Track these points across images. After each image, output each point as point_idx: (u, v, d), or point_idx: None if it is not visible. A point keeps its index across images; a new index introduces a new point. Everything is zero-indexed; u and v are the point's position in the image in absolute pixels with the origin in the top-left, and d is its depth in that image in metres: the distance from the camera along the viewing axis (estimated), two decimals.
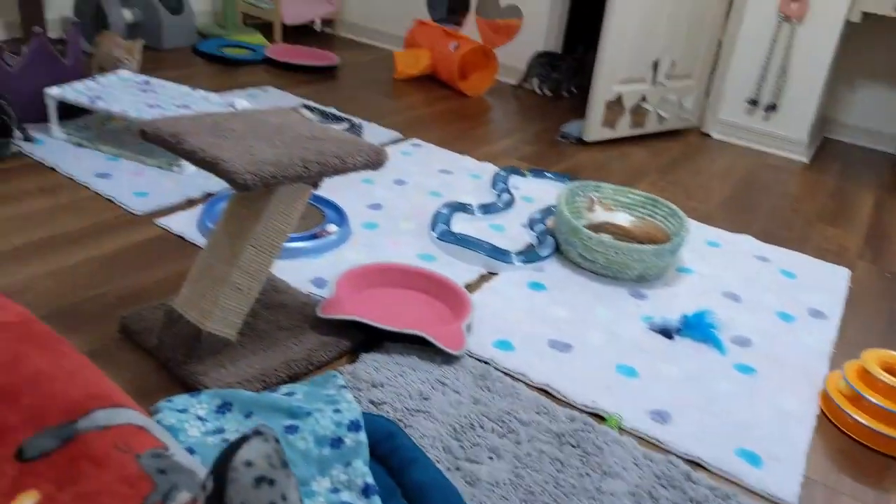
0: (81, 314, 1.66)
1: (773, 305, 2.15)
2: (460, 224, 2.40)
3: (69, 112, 2.66)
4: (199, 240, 2.06)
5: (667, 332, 1.92)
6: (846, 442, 1.62)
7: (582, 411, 1.60)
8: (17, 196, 2.15)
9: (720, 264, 2.37)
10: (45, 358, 0.73)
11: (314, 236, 2.12)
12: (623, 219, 2.29)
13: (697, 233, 2.58)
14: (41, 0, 3.53)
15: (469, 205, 2.47)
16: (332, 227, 2.18)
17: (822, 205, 3.06)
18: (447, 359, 1.67)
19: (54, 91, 2.53)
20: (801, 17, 3.48)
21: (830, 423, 1.67)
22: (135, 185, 2.32)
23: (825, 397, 1.72)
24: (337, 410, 1.37)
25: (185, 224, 2.13)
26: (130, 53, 2.95)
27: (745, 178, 3.28)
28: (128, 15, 3.90)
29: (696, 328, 1.92)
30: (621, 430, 1.56)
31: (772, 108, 3.66)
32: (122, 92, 2.64)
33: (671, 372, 1.77)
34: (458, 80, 4.00)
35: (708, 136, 3.86)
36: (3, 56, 2.55)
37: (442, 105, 3.75)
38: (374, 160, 1.57)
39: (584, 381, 1.68)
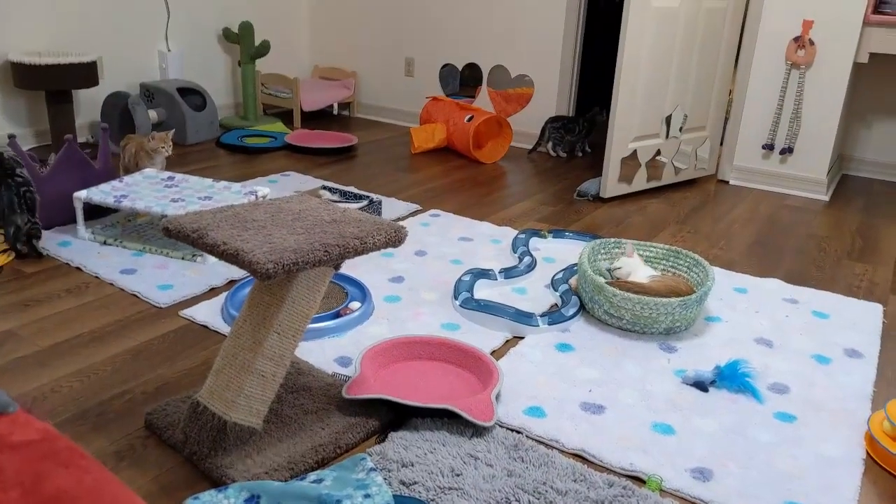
0: (107, 413, 1.67)
1: (808, 348, 2.09)
2: (483, 290, 2.39)
3: (97, 212, 2.74)
4: (223, 328, 2.07)
5: (701, 385, 1.87)
6: None
7: (620, 475, 1.55)
8: (44, 299, 2.20)
9: (749, 310, 2.32)
10: (68, 476, 0.73)
11: (337, 315, 2.13)
12: (642, 275, 2.26)
13: (723, 280, 2.54)
14: (71, 108, 3.70)
15: (491, 270, 2.47)
16: (355, 305, 2.19)
17: (847, 242, 3.01)
18: (477, 431, 1.64)
19: (81, 194, 2.62)
20: (810, 63, 3.50)
21: (878, 467, 1.60)
22: (159, 278, 2.37)
23: (870, 440, 1.65)
24: (367, 496, 1.35)
25: (208, 313, 2.15)
26: (164, 142, 3.14)
27: (766, 221, 3.24)
28: (153, 115, 4.05)
29: (731, 378, 1.87)
30: (662, 491, 1.50)
31: (788, 150, 3.65)
32: (147, 189, 2.72)
33: (709, 426, 1.71)
34: (474, 150, 4.06)
35: (725, 182, 3.85)
36: (34, 163, 2.65)
37: (458, 174, 3.80)
38: (395, 238, 1.58)
39: (619, 443, 1.63)
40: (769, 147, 3.70)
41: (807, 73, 3.53)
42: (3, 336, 1.98)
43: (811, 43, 3.48)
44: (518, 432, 1.67)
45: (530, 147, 4.35)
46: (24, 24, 3.72)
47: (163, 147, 3.14)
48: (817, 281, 2.58)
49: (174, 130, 3.29)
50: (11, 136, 2.56)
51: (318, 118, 5.04)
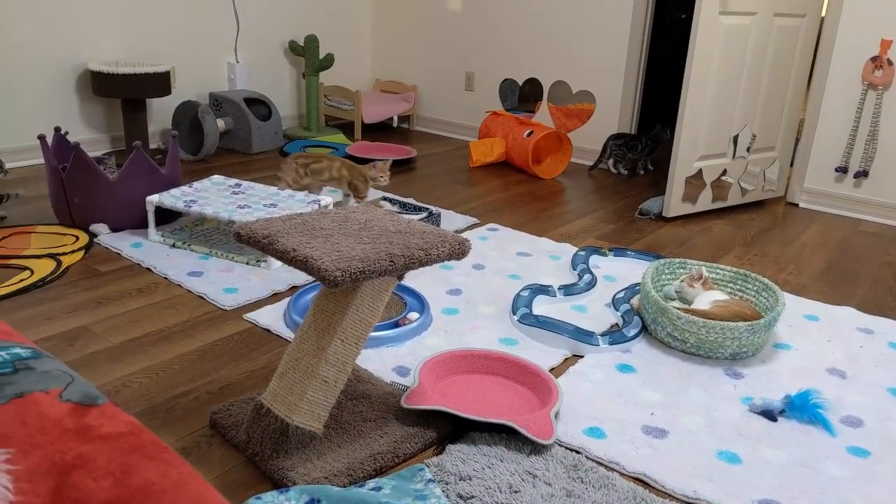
0: (174, 410, 1.70)
1: (884, 381, 2.01)
2: (542, 306, 2.37)
3: (166, 216, 2.82)
4: (285, 332, 2.10)
5: (769, 414, 1.80)
6: None
7: (683, 502, 1.50)
8: (117, 297, 2.27)
9: (821, 339, 2.24)
10: (154, 469, 0.74)
11: (396, 324, 2.14)
12: (705, 300, 2.20)
13: (793, 306, 2.46)
14: (145, 116, 3.82)
15: (550, 286, 2.45)
16: (414, 315, 2.19)
17: None
18: (536, 448, 1.62)
19: (154, 198, 2.70)
20: (888, 84, 3.39)
21: None
22: (224, 281, 2.42)
23: None
24: None
25: (271, 318, 2.18)
26: (384, 172, 3.10)
27: (839, 246, 3.13)
28: (221, 124, 4.16)
29: (802, 409, 1.80)
30: None
31: (863, 174, 3.53)
32: (215, 195, 2.79)
33: (777, 457, 1.65)
34: (532, 165, 4.05)
35: (794, 205, 3.74)
36: (106, 167, 2.75)
37: (517, 189, 3.79)
38: (458, 250, 1.58)
39: (682, 470, 1.59)
40: (842, 170, 3.59)
41: (884, 94, 3.41)
42: (78, 332, 2.05)
43: (889, 63, 3.37)
44: (577, 452, 1.64)
45: (591, 163, 4.31)
46: (102, 36, 3.87)
47: (382, 177, 3.07)
48: (895, 311, 2.48)
49: (390, 161, 3.17)
50: (77, 145, 2.65)
51: (379, 130, 5.09)
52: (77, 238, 2.72)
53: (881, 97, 3.42)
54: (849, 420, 1.81)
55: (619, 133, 4.21)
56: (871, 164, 3.52)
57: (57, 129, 2.81)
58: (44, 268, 2.44)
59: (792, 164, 3.79)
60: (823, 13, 3.54)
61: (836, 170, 3.61)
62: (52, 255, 2.54)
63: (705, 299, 2.21)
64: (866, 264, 2.93)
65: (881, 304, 2.53)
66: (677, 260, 2.43)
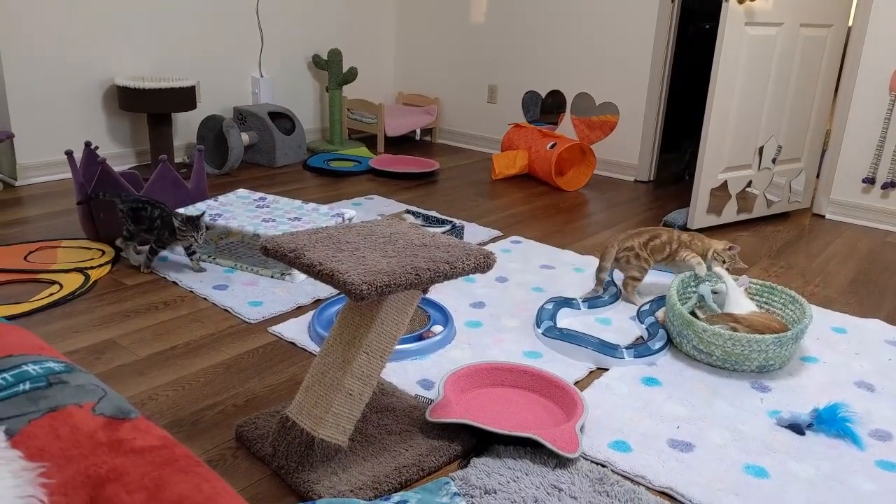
0: (200, 422, 1.72)
1: None
2: (566, 319, 2.36)
3: None
4: (310, 345, 2.11)
5: (797, 428, 1.78)
6: None
7: None
8: (143, 311, 2.30)
9: (849, 351, 2.21)
10: (187, 483, 0.75)
11: (420, 337, 2.14)
12: (744, 306, 2.18)
13: (820, 319, 2.43)
14: (170, 130, 3.88)
15: (574, 299, 2.44)
16: (438, 328, 2.20)
17: None
18: (561, 462, 1.61)
19: (179, 212, 2.73)
20: None
21: None
22: (249, 294, 2.44)
23: None
24: None
25: (296, 331, 2.20)
26: (734, 261, 2.43)
27: (866, 258, 3.09)
28: (245, 138, 4.21)
29: (830, 422, 1.78)
30: None
31: (891, 185, 3.48)
32: (240, 209, 2.82)
33: (806, 472, 1.63)
34: (556, 177, 4.04)
35: (821, 216, 3.70)
36: (133, 181, 2.79)
37: (540, 201, 3.79)
38: (483, 264, 1.58)
39: (709, 484, 1.57)
40: (870, 181, 3.54)
41: None
42: (105, 345, 2.07)
43: None
44: (603, 466, 1.63)
45: (616, 176, 4.30)
46: (128, 51, 3.94)
47: (724, 263, 2.39)
48: None
49: (739, 249, 2.45)
50: (103, 160, 2.70)
51: (401, 143, 5.12)
52: (103, 252, 2.76)
53: None
54: (878, 434, 1.78)
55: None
56: None
57: (87, 144, 2.86)
58: (73, 282, 2.48)
59: (818, 176, 3.75)
60: (850, 23, 3.51)
61: (864, 181, 3.57)
62: (79, 269, 2.58)
63: (740, 301, 2.19)
64: (895, 276, 2.89)
65: None
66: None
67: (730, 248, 2.41)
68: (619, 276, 2.59)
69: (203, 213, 2.56)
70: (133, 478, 0.73)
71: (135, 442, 0.79)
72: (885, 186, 3.51)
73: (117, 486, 0.72)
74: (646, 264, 2.48)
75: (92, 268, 2.60)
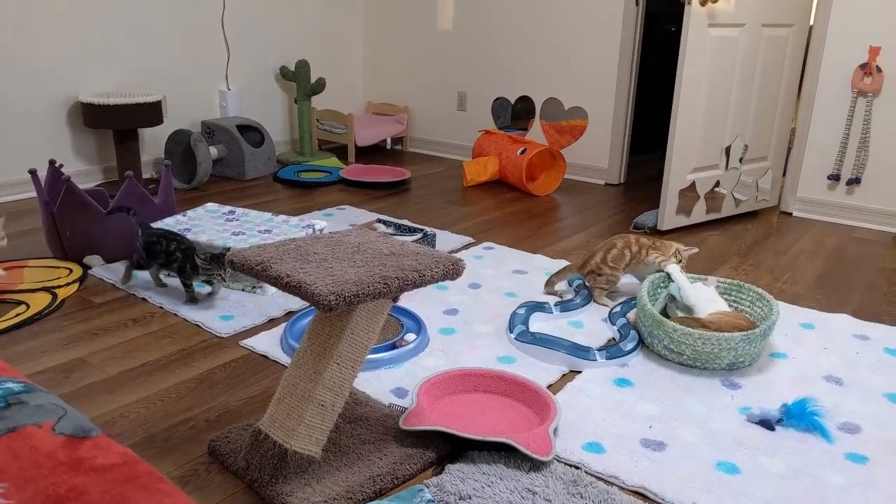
0: (172, 438, 1.70)
1: (880, 387, 2.01)
2: (538, 323, 2.37)
3: None
4: (283, 358, 2.10)
5: (767, 424, 1.80)
6: None
7: None
8: (112, 329, 2.27)
9: (817, 347, 2.25)
10: (149, 500, 0.74)
11: (393, 346, 2.14)
12: (706, 307, 2.21)
13: (788, 315, 2.47)
14: (137, 146, 3.84)
15: (546, 303, 2.45)
16: (410, 336, 2.20)
17: None
18: (535, 465, 1.62)
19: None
20: (877, 91, 3.42)
21: None
22: (220, 309, 2.42)
23: None
24: None
25: (268, 344, 2.18)
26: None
27: (833, 254, 3.15)
28: (214, 152, 4.18)
29: (799, 417, 1.80)
30: None
31: (855, 181, 3.55)
32: (209, 223, 2.80)
33: (776, 466, 1.65)
34: (527, 182, 4.06)
35: (788, 214, 3.76)
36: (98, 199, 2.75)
37: (511, 207, 3.80)
38: (452, 271, 1.59)
39: (682, 482, 1.59)
40: (835, 178, 3.61)
41: (874, 100, 3.44)
42: (74, 363, 2.04)
43: (878, 70, 3.40)
44: (577, 468, 1.64)
45: (587, 180, 4.33)
46: (92, 67, 3.90)
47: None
48: (889, 317, 2.48)
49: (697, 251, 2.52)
50: (67, 178, 2.65)
51: (372, 153, 5.12)
52: (70, 270, 2.72)
53: (871, 104, 3.45)
54: (846, 427, 1.81)
55: None
56: (863, 171, 3.54)
57: (52, 162, 2.82)
58: (40, 301, 2.44)
59: (784, 174, 3.81)
60: (811, 22, 3.58)
61: (829, 178, 3.63)
62: (47, 289, 2.54)
63: (703, 298, 2.22)
64: (861, 271, 2.94)
65: (876, 311, 2.54)
66: None
67: (687, 249, 2.51)
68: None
69: (228, 250, 2.39)
70: (93, 496, 0.72)
71: (95, 460, 0.78)
72: (850, 182, 3.57)
73: None
74: (613, 276, 2.53)
75: (59, 287, 2.57)
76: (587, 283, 2.57)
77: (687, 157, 3.33)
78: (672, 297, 2.33)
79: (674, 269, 2.34)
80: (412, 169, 4.64)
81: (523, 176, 4.01)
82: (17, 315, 2.33)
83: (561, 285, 2.67)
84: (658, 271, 2.44)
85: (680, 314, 2.25)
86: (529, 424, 1.77)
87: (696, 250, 2.53)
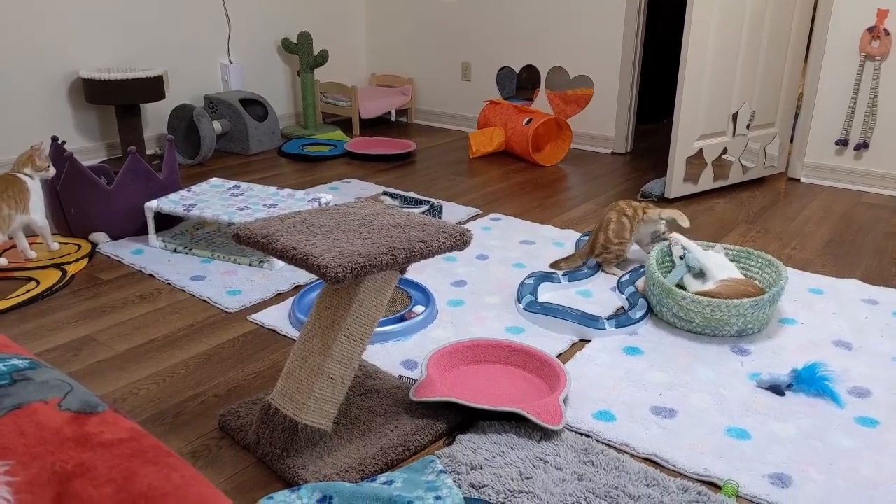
0: (182, 414, 1.71)
1: (890, 351, 2.00)
2: (547, 293, 2.36)
3: (166, 222, 2.82)
4: (291, 332, 2.10)
5: (777, 389, 1.80)
6: None
7: (694, 480, 1.50)
8: (120, 305, 2.28)
9: (826, 312, 2.24)
10: (157, 474, 0.75)
11: (401, 318, 2.14)
12: (715, 275, 2.19)
13: (797, 281, 2.45)
14: (140, 121, 3.82)
15: (554, 273, 2.44)
16: (419, 308, 2.19)
17: None
18: (546, 434, 1.62)
19: (152, 204, 2.70)
20: (885, 54, 3.36)
21: None
22: (228, 284, 2.42)
23: None
24: (438, 497, 1.34)
25: (276, 318, 2.19)
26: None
27: (841, 219, 3.12)
28: (217, 126, 4.16)
29: (809, 382, 1.80)
30: (739, 497, 1.46)
31: (863, 146, 3.51)
32: (214, 198, 2.79)
33: (786, 431, 1.65)
34: (533, 152, 4.03)
35: (796, 180, 3.73)
36: (101, 175, 2.74)
37: (518, 178, 3.78)
38: (460, 241, 1.58)
39: (693, 448, 1.59)
40: (843, 143, 3.57)
41: (882, 64, 3.39)
42: (83, 341, 2.05)
43: (886, 33, 3.34)
44: (587, 436, 1.64)
45: (593, 149, 4.29)
46: (93, 42, 3.87)
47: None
48: None
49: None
50: (70, 155, 2.64)
51: (377, 125, 5.09)
52: (79, 247, 2.72)
53: (879, 68, 3.39)
54: (856, 391, 1.81)
55: None
56: (871, 136, 3.49)
57: (54, 139, 2.81)
58: (49, 278, 2.45)
59: (792, 140, 3.77)
60: None
61: (837, 143, 3.59)
62: (56, 265, 2.55)
63: (716, 263, 2.20)
64: (869, 236, 2.92)
65: (885, 275, 2.52)
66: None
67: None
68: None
69: None
70: (101, 471, 0.72)
71: (102, 436, 0.78)
72: (857, 147, 3.53)
73: (84, 480, 0.71)
74: (622, 248, 2.53)
75: (69, 263, 2.57)
76: (601, 263, 2.56)
77: (694, 124, 3.29)
78: (689, 268, 2.31)
79: (678, 236, 2.32)
80: (417, 141, 4.61)
81: (529, 146, 3.98)
82: (28, 291, 2.34)
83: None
84: (656, 234, 2.53)
85: (695, 286, 2.21)
86: (540, 394, 1.77)
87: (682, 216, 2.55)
